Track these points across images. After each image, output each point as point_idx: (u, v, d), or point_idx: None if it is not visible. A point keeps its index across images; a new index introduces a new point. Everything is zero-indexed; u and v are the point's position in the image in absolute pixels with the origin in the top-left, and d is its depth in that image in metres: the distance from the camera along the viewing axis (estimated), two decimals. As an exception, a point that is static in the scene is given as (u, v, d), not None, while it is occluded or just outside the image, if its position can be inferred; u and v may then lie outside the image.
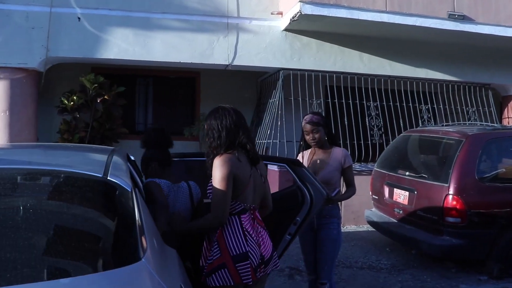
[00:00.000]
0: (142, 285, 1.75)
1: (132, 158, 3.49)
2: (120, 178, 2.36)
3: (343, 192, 4.13)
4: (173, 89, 9.81)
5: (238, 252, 2.69)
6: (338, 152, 4.06)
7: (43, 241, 1.88)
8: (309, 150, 4.16)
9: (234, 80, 9.30)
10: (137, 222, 2.08)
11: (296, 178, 3.45)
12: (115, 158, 2.76)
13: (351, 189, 4.08)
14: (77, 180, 2.35)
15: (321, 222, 3.98)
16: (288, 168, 3.47)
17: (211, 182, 2.75)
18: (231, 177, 2.70)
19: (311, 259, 4.09)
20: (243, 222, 2.76)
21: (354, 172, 4.20)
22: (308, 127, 4.01)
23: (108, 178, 2.32)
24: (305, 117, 4.10)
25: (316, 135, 3.99)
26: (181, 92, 9.92)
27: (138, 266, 1.78)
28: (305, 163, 3.98)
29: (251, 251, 2.72)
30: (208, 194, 2.81)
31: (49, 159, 2.84)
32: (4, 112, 7.31)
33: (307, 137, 4.07)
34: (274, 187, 5.86)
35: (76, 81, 7.88)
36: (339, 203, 4.12)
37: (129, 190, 2.30)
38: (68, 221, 2.08)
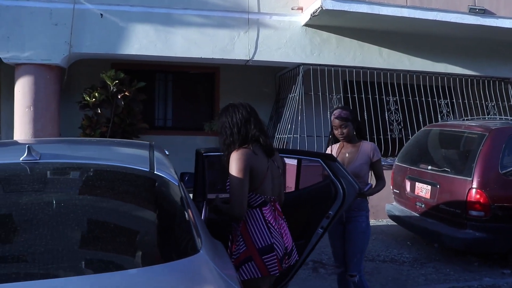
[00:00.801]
0: (203, 276, 1.80)
1: (167, 152, 3.54)
2: (165, 172, 2.41)
3: (373, 186, 4.16)
4: (192, 84, 9.89)
5: (263, 245, 2.72)
6: (367, 146, 4.09)
7: (107, 233, 1.93)
8: (338, 144, 4.18)
9: (253, 75, 9.35)
10: (189, 214, 2.12)
11: (329, 172, 3.48)
12: (156, 153, 2.81)
13: (381, 182, 4.10)
14: (126, 175, 2.39)
15: (350, 215, 4.00)
16: (322, 163, 3.50)
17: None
18: (248, 170, 2.75)
19: (341, 252, 4.12)
20: (265, 214, 2.80)
21: None
22: (336, 122, 4.03)
23: (155, 172, 2.37)
24: (333, 112, 4.12)
25: (345, 130, 4.01)
26: (200, 87, 9.99)
27: (198, 257, 1.83)
28: (334, 157, 4.01)
29: (276, 243, 2.76)
30: (227, 189, 2.85)
31: (94, 153, 2.89)
32: (29, 108, 7.42)
33: (335, 132, 4.08)
34: (293, 181, 5.91)
35: (95, 77, 7.96)
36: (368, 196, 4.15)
37: (177, 184, 2.35)
38: (124, 215, 2.13)
